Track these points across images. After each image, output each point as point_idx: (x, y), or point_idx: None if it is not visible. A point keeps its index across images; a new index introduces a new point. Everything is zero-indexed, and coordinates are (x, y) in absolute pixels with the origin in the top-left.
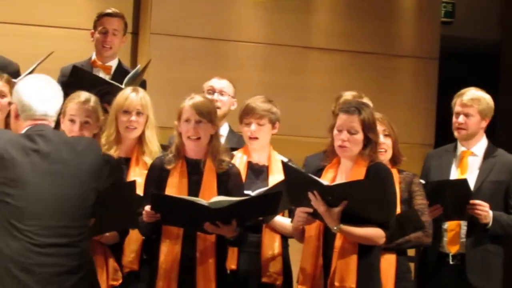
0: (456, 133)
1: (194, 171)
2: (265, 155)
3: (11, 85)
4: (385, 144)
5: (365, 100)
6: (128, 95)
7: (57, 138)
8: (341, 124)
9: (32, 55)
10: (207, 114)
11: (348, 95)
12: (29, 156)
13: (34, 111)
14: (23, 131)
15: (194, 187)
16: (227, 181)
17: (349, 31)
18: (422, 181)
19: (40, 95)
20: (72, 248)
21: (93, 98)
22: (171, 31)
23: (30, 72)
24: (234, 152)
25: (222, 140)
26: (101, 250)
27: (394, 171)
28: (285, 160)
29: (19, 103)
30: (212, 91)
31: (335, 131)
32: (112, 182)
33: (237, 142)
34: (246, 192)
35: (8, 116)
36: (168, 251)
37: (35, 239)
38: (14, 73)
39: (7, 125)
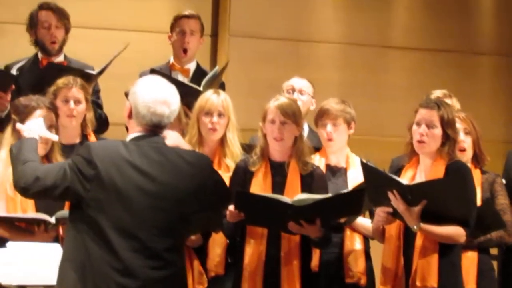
0: None
1: (278, 172)
2: (343, 156)
3: (86, 91)
4: (465, 142)
5: (454, 100)
6: (210, 97)
7: (161, 157)
8: (420, 118)
9: (108, 59)
10: (292, 115)
11: (438, 93)
12: (129, 173)
13: (146, 121)
14: (131, 136)
15: (278, 189)
16: (311, 182)
17: (427, 29)
18: (504, 181)
19: (156, 106)
20: (168, 271)
21: None
22: (250, 33)
23: (107, 66)
24: (312, 156)
25: None
26: (186, 254)
27: (477, 172)
28: (364, 161)
29: (134, 107)
30: (292, 90)
31: (414, 126)
32: (215, 199)
33: (317, 142)
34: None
35: (84, 120)
36: (253, 252)
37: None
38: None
39: (82, 129)
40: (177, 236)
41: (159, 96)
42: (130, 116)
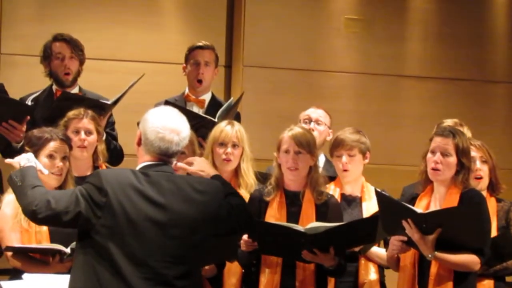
0: None
1: (293, 202)
2: (358, 186)
3: (97, 122)
4: (482, 170)
5: (465, 128)
6: (224, 128)
7: (172, 185)
8: (435, 146)
9: (123, 90)
10: (307, 145)
11: (449, 122)
12: (139, 201)
13: (154, 148)
14: (141, 165)
15: (293, 219)
16: (326, 212)
17: (442, 59)
18: None
19: (165, 132)
20: None
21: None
22: (264, 63)
23: (122, 96)
24: (327, 185)
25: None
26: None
27: (492, 200)
28: (378, 191)
29: (143, 133)
30: (309, 120)
31: (429, 154)
32: (234, 224)
33: (334, 172)
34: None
35: (95, 152)
36: (268, 282)
37: (140, 284)
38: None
39: (94, 161)
40: (190, 263)
41: (168, 123)
42: (139, 143)
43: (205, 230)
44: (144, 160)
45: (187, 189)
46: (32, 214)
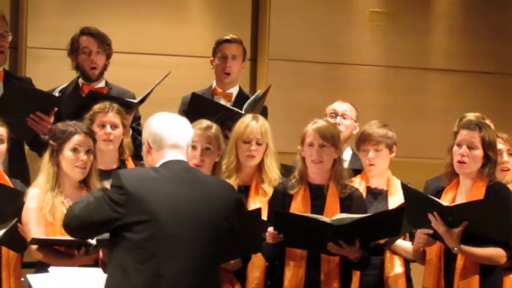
0: None
1: (317, 195)
2: (384, 179)
3: (122, 116)
4: (509, 163)
5: (487, 122)
6: (248, 123)
7: (192, 176)
8: (461, 139)
9: (149, 85)
10: (331, 138)
11: (471, 116)
12: (161, 194)
13: (165, 140)
14: (156, 165)
15: (318, 212)
16: (350, 205)
17: (467, 52)
18: None
19: (170, 125)
20: None
21: (214, 126)
22: (289, 56)
23: (148, 94)
24: (353, 178)
25: (346, 164)
26: (227, 277)
27: None
28: (404, 183)
29: (150, 136)
30: (335, 114)
31: (455, 147)
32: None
33: (360, 165)
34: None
35: (121, 145)
36: (292, 275)
37: (170, 279)
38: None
39: (120, 154)
40: (215, 253)
41: (171, 119)
42: (149, 150)
43: (225, 219)
44: (158, 160)
45: (206, 179)
46: (64, 228)
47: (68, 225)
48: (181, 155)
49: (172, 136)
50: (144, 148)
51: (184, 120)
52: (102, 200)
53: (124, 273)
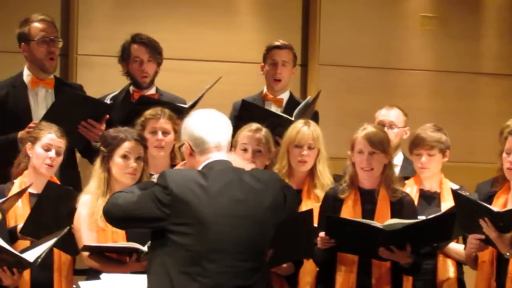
0: None
1: (367, 200)
2: (436, 182)
3: (173, 121)
4: None
5: None
6: (300, 128)
7: (236, 176)
8: (510, 146)
9: (199, 91)
10: (380, 145)
11: None
12: (205, 196)
13: (208, 143)
14: (200, 167)
15: (368, 216)
16: (401, 210)
17: None
18: None
19: (209, 124)
20: None
21: (264, 129)
22: (339, 62)
23: (199, 99)
24: (406, 181)
25: (397, 169)
26: (278, 282)
27: None
28: (456, 187)
29: (191, 139)
30: (382, 125)
31: (504, 154)
32: (290, 210)
33: (412, 170)
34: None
35: (172, 151)
36: (344, 281)
37: (215, 281)
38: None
39: (172, 159)
40: (259, 255)
41: (209, 120)
42: (191, 153)
43: (269, 219)
44: (202, 162)
45: (248, 179)
46: (104, 215)
47: (110, 213)
48: (223, 155)
49: (213, 138)
50: (186, 150)
51: (222, 117)
52: (148, 196)
53: (167, 276)
